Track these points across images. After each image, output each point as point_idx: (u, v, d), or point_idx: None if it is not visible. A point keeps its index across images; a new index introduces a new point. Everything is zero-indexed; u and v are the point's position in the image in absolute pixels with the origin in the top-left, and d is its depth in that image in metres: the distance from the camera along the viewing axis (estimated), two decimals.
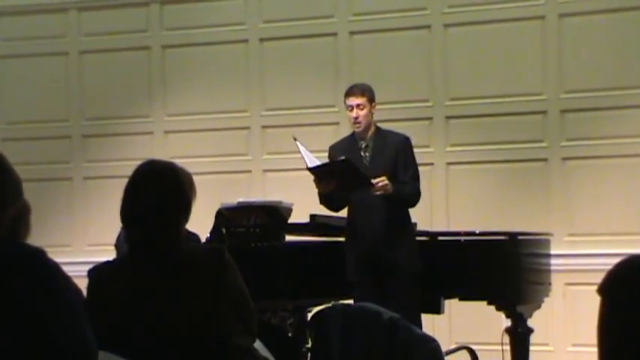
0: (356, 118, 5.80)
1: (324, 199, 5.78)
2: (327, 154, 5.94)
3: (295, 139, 5.61)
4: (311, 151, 5.66)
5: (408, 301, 5.54)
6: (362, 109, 5.80)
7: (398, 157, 5.81)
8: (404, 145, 5.88)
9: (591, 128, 7.57)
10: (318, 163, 5.59)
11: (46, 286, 2.51)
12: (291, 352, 5.84)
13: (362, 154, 5.80)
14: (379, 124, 5.97)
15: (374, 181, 5.57)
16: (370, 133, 5.86)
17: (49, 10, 8.89)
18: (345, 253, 5.81)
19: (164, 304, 3.09)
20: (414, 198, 5.84)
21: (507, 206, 7.68)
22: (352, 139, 5.93)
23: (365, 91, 5.86)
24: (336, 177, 5.55)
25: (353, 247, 5.78)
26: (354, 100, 5.83)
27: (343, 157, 5.58)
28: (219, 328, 3.13)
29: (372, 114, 5.86)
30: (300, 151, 5.57)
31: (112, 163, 8.50)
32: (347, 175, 5.54)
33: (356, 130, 5.85)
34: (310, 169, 5.55)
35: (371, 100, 5.85)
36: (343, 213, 5.91)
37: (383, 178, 5.60)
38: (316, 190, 5.72)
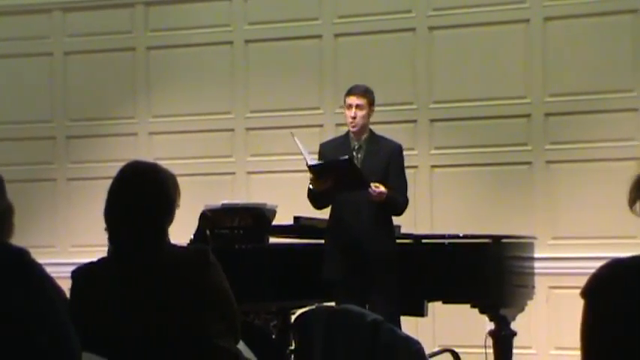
0: (353, 117, 5.77)
1: (314, 196, 5.74)
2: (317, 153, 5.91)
3: (293, 135, 5.60)
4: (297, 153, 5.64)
5: (387, 302, 5.55)
6: (361, 110, 5.78)
7: (390, 164, 5.79)
8: (397, 152, 5.87)
9: (575, 132, 7.59)
10: (315, 160, 5.58)
11: (29, 287, 2.50)
12: (274, 353, 5.84)
13: (354, 155, 5.77)
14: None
15: (372, 186, 5.55)
16: (365, 135, 5.84)
17: (33, 11, 8.86)
18: (325, 251, 5.80)
19: (148, 305, 3.08)
20: (403, 207, 5.84)
21: (491, 209, 7.69)
22: (346, 139, 5.90)
23: (366, 93, 5.84)
24: (334, 176, 5.53)
25: (335, 244, 5.75)
26: (354, 100, 5.80)
27: (347, 157, 5.56)
28: (203, 329, 3.13)
29: (370, 117, 5.85)
30: (299, 148, 5.54)
31: (96, 164, 8.47)
32: (347, 175, 5.52)
33: (352, 130, 5.81)
34: (310, 167, 5.54)
35: (370, 102, 5.84)
36: (325, 214, 5.90)
37: (380, 187, 5.59)
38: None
